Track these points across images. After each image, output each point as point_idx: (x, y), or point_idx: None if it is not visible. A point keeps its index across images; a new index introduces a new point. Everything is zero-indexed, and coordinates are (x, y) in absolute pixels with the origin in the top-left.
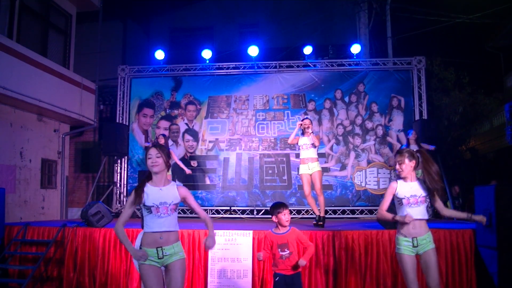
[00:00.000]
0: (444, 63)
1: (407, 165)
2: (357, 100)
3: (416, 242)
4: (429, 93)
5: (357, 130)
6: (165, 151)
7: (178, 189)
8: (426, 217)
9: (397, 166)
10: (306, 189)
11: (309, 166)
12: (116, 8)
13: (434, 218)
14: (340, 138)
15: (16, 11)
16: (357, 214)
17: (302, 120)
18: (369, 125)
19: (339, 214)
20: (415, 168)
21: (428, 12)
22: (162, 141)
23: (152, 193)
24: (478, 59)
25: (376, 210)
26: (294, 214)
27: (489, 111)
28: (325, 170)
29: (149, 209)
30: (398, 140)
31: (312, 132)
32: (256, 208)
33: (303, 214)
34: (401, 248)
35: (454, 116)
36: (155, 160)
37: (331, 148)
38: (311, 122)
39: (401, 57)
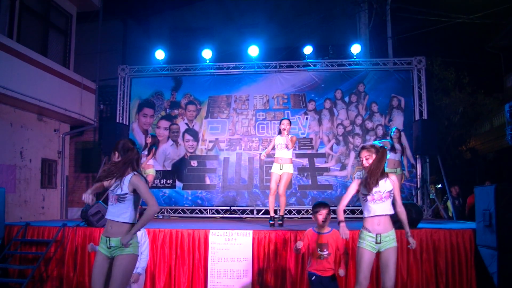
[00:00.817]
0: (444, 63)
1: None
2: (357, 100)
3: (379, 238)
4: (429, 93)
5: (357, 130)
6: (126, 147)
7: (130, 179)
8: (391, 212)
9: (364, 162)
10: (273, 186)
11: (281, 167)
12: (116, 8)
13: (434, 219)
14: (340, 138)
15: (16, 11)
16: (357, 214)
17: (281, 120)
18: (369, 125)
19: None
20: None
21: (428, 12)
22: (148, 140)
23: (114, 180)
24: (478, 59)
25: None
26: (294, 214)
27: (489, 111)
28: (325, 170)
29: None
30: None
31: (288, 134)
32: (256, 208)
33: (303, 214)
34: (363, 243)
35: (454, 116)
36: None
37: (331, 148)
38: (290, 124)
39: (401, 57)
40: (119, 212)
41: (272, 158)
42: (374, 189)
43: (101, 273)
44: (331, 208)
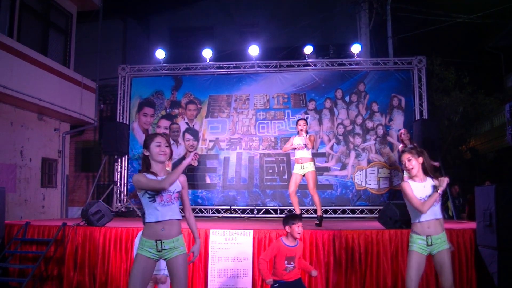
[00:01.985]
0: (444, 63)
1: (417, 163)
2: (358, 99)
3: (430, 240)
4: (430, 93)
5: (358, 129)
6: (170, 143)
7: (180, 177)
8: (441, 216)
9: (407, 164)
10: (290, 186)
11: (302, 166)
12: (116, 8)
13: None
14: (341, 137)
15: (16, 10)
16: (358, 213)
17: (297, 121)
18: (369, 124)
19: (339, 213)
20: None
21: (429, 12)
22: None
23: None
24: (478, 59)
25: (376, 210)
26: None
27: (490, 111)
28: (325, 169)
29: (152, 197)
30: (398, 140)
31: (306, 133)
32: (256, 207)
33: (303, 214)
34: (414, 246)
35: (455, 116)
36: (164, 149)
37: (332, 148)
38: (306, 123)
39: (402, 56)
40: (177, 211)
41: (272, 157)
42: (425, 194)
43: (145, 278)
44: (331, 208)
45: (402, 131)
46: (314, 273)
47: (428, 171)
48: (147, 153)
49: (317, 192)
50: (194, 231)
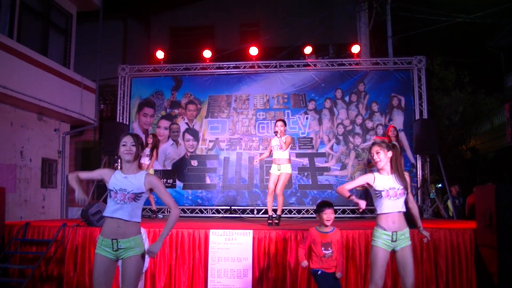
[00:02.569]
0: (444, 62)
1: (385, 156)
2: (358, 99)
3: (395, 236)
4: (430, 93)
5: (358, 129)
6: (140, 142)
7: (145, 178)
8: (404, 210)
9: (375, 156)
10: (271, 186)
11: (278, 167)
12: (116, 8)
13: (435, 218)
14: (341, 137)
15: (16, 11)
16: (357, 213)
17: (276, 121)
18: (369, 124)
19: (339, 213)
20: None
21: (429, 12)
22: (150, 140)
23: (117, 178)
24: (478, 58)
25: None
26: (294, 213)
27: (490, 111)
28: (325, 169)
29: (109, 192)
30: (384, 134)
31: (282, 135)
32: (257, 207)
33: (303, 213)
34: (378, 241)
35: (455, 116)
36: (129, 148)
37: (332, 148)
38: (284, 124)
39: (402, 56)
40: (133, 212)
41: (271, 157)
42: (389, 186)
43: (107, 277)
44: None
45: (390, 127)
46: (338, 275)
47: (395, 168)
48: (118, 152)
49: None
50: (165, 227)
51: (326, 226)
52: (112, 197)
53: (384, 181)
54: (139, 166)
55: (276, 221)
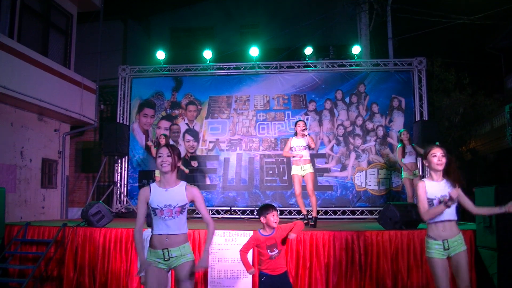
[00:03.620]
0: (444, 64)
1: (446, 161)
2: (358, 100)
3: (447, 244)
4: (430, 94)
5: (358, 130)
6: (176, 152)
7: (186, 190)
8: (456, 217)
9: (441, 158)
10: (297, 188)
11: (302, 168)
12: (117, 8)
13: None
14: (341, 138)
15: (17, 11)
16: (358, 214)
17: (296, 122)
18: (369, 125)
19: (339, 214)
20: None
21: (429, 13)
22: (163, 141)
23: (157, 194)
24: (478, 60)
25: (376, 211)
26: (294, 214)
27: (490, 112)
28: (325, 170)
29: (154, 211)
30: (398, 140)
31: (308, 134)
32: (257, 208)
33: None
34: (431, 252)
35: (455, 117)
36: (165, 159)
37: (332, 149)
38: (305, 124)
39: (402, 58)
40: (180, 225)
41: (272, 159)
42: (441, 193)
43: (160, 286)
44: (331, 208)
45: (404, 131)
46: (291, 235)
47: (448, 173)
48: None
49: (315, 193)
50: (207, 241)
51: (272, 228)
52: (157, 214)
53: (435, 188)
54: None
55: (312, 223)
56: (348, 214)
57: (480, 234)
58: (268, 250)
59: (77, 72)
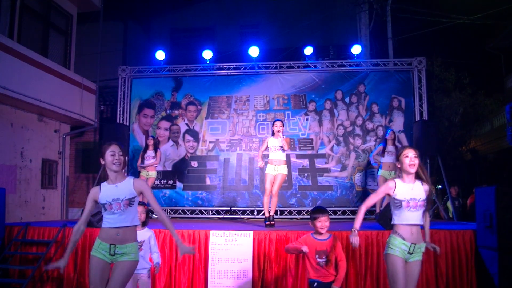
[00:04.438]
0: (444, 64)
1: (418, 162)
2: (358, 100)
3: (413, 248)
4: (430, 94)
5: (358, 130)
6: (125, 151)
7: (134, 183)
8: (422, 223)
9: (413, 159)
10: (268, 187)
11: (276, 168)
12: (116, 9)
13: (435, 219)
14: (341, 138)
15: (17, 11)
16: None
17: (274, 122)
18: (369, 125)
19: (339, 214)
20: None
21: (429, 13)
22: (151, 142)
23: (107, 190)
24: (478, 60)
25: (376, 211)
26: (294, 214)
27: (490, 112)
28: (325, 170)
29: (103, 206)
30: (399, 141)
31: (283, 136)
32: (257, 208)
33: (304, 214)
34: (396, 250)
35: (455, 117)
36: (118, 157)
37: (332, 149)
38: (283, 125)
39: (402, 57)
40: (130, 217)
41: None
42: (410, 196)
43: (102, 278)
44: (331, 209)
45: (390, 131)
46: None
47: (420, 176)
48: (103, 162)
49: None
50: (169, 229)
51: (321, 233)
52: (107, 209)
53: (405, 189)
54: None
55: (272, 222)
56: (348, 214)
57: (480, 234)
58: (317, 256)
59: (77, 73)
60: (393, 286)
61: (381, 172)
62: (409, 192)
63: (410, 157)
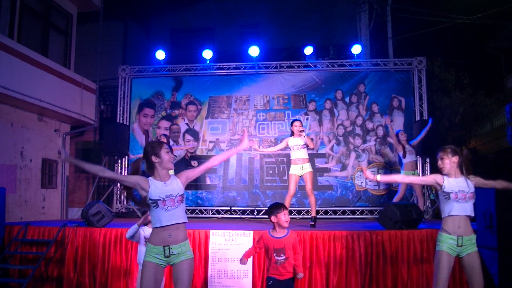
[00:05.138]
0: (444, 63)
1: (450, 161)
2: (358, 100)
3: (461, 241)
4: (430, 94)
5: (358, 130)
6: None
7: (179, 179)
8: (473, 215)
9: (439, 162)
10: (292, 188)
11: (301, 167)
12: (117, 9)
13: (435, 219)
14: (341, 138)
15: (17, 11)
16: (358, 214)
17: (292, 122)
18: (369, 125)
19: (339, 214)
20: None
21: (429, 13)
22: (164, 140)
23: (157, 187)
24: (478, 60)
25: (376, 210)
26: (294, 214)
27: (490, 112)
28: (325, 170)
29: (155, 202)
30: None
31: (306, 135)
32: (257, 208)
33: (304, 214)
34: (443, 246)
35: (455, 117)
36: (172, 155)
37: (332, 149)
38: (302, 124)
39: (402, 57)
40: (181, 214)
41: (272, 158)
42: (458, 188)
43: (156, 283)
44: (331, 208)
45: (401, 131)
46: (300, 275)
47: (465, 170)
48: (156, 160)
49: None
50: (230, 151)
51: (284, 228)
52: (159, 206)
53: (453, 183)
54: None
55: (312, 223)
56: (348, 214)
57: (480, 233)
58: (275, 254)
59: (77, 72)
60: (436, 280)
61: (404, 173)
62: (455, 184)
63: (437, 161)
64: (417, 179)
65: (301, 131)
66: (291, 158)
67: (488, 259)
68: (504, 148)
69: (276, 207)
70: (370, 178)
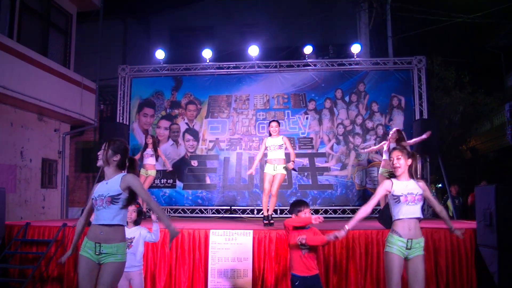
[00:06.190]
0: (444, 62)
1: (405, 163)
2: (358, 99)
3: (410, 244)
4: (430, 93)
5: (358, 129)
6: (114, 146)
7: (121, 179)
8: (421, 216)
9: (395, 161)
10: (267, 187)
11: (275, 167)
12: (116, 8)
13: (435, 218)
14: (341, 137)
15: (16, 11)
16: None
17: (270, 123)
18: (369, 124)
19: (339, 213)
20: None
21: (429, 12)
22: (150, 140)
23: (100, 186)
24: (478, 58)
25: (376, 209)
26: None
27: (490, 111)
28: (325, 169)
29: (92, 201)
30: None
31: (277, 136)
32: (257, 207)
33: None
34: (393, 248)
35: (455, 116)
36: (101, 152)
37: (332, 148)
38: (279, 125)
39: (402, 56)
40: (114, 215)
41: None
42: (407, 191)
43: (91, 279)
44: (332, 208)
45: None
46: (341, 233)
47: (413, 175)
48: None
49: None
50: (159, 215)
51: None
52: (94, 205)
53: (401, 186)
54: (120, 168)
55: (271, 221)
56: (348, 213)
57: (480, 232)
58: (299, 244)
59: (77, 72)
60: (388, 283)
61: (381, 170)
62: (404, 187)
63: (393, 159)
64: (375, 199)
65: (274, 132)
66: (267, 158)
67: (488, 258)
68: (504, 147)
69: (297, 205)
70: (343, 236)
